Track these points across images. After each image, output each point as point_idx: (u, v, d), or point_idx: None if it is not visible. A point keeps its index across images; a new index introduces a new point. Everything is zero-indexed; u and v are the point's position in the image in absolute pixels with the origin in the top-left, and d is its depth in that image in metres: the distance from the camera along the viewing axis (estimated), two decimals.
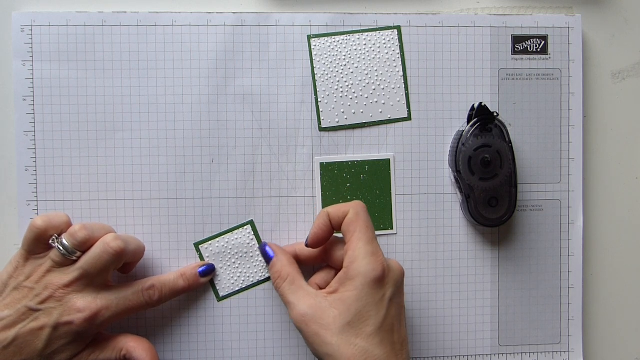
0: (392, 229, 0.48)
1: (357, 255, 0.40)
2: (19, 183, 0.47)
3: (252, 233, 0.47)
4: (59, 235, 0.41)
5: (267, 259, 0.45)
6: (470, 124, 0.47)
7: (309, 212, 0.48)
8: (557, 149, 0.50)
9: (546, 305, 0.50)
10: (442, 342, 0.49)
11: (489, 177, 0.47)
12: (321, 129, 0.48)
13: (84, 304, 0.40)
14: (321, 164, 0.47)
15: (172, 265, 0.48)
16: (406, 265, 0.49)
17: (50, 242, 0.41)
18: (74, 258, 0.41)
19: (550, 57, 0.50)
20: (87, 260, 0.41)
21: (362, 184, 0.47)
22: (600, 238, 0.51)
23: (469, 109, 0.48)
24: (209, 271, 0.47)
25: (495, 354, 0.50)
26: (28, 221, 0.47)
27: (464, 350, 0.50)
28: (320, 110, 0.48)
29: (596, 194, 0.51)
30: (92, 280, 0.41)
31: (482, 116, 0.47)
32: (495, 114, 0.47)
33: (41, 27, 0.46)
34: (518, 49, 0.49)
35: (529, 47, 0.49)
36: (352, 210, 0.41)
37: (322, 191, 0.48)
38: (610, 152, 0.51)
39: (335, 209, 0.42)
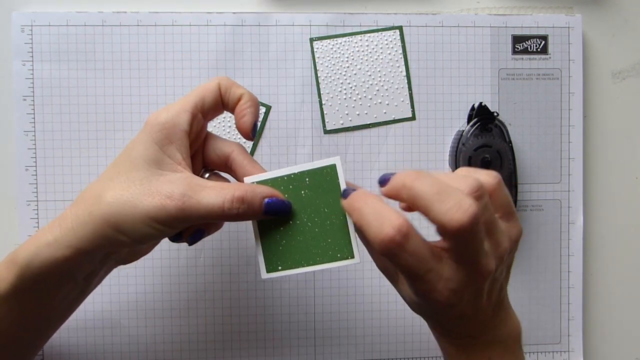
0: (352, 257, 0.35)
1: None
2: (19, 183, 0.47)
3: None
4: None
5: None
6: (471, 123, 0.47)
7: None
8: (557, 149, 0.50)
9: (546, 305, 0.50)
10: None
11: None
12: (325, 132, 0.48)
13: None
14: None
15: (171, 265, 0.48)
16: None
17: None
18: None
19: (550, 57, 0.50)
20: None
21: (305, 203, 0.35)
22: (600, 238, 0.51)
23: (469, 108, 0.48)
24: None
25: None
26: (28, 221, 0.47)
27: None
28: (325, 112, 0.48)
29: (596, 194, 0.51)
30: None
31: (482, 116, 0.47)
32: (495, 114, 0.47)
33: (41, 27, 0.46)
34: (518, 48, 0.49)
35: (529, 47, 0.50)
36: None
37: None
38: (610, 152, 0.51)
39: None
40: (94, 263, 0.36)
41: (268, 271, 0.36)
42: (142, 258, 0.47)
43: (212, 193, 0.33)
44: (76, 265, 0.34)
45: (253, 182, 0.36)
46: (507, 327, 0.35)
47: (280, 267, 0.36)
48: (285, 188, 0.36)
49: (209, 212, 0.33)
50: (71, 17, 0.47)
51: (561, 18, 0.50)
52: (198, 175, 0.38)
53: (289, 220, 0.36)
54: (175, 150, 0.35)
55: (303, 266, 0.36)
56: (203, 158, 0.38)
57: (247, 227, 0.48)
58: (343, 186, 0.35)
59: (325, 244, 0.35)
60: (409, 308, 0.49)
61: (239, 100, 0.37)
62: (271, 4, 0.49)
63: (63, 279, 0.35)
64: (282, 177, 0.36)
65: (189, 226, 0.36)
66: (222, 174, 0.39)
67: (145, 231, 0.33)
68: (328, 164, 0.35)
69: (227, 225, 0.48)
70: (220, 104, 0.37)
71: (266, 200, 0.34)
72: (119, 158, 0.35)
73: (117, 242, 0.33)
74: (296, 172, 0.35)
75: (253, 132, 0.37)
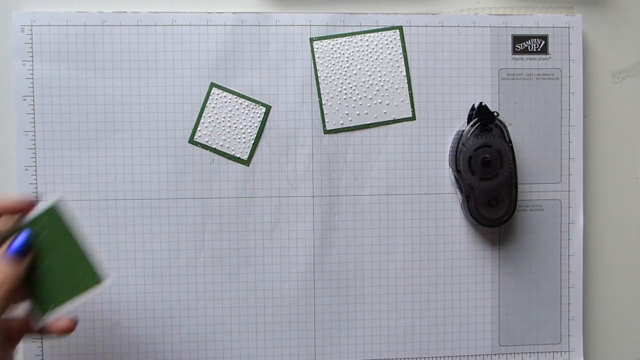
0: (100, 282, 0.38)
1: None
2: (19, 183, 0.47)
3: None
4: None
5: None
6: (471, 123, 0.47)
7: (309, 212, 0.48)
8: (557, 149, 0.50)
9: (546, 305, 0.50)
10: (442, 342, 0.49)
11: (489, 177, 0.47)
12: (325, 132, 0.48)
13: None
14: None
15: (171, 265, 0.48)
16: (406, 265, 0.49)
17: None
18: None
19: (550, 57, 0.50)
20: None
21: (49, 244, 0.37)
22: (600, 238, 0.51)
23: (469, 108, 0.48)
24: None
25: (495, 354, 0.50)
26: None
27: (464, 350, 0.50)
28: (325, 112, 0.48)
29: (596, 194, 0.51)
30: None
31: (482, 116, 0.47)
32: (495, 114, 0.47)
33: (41, 27, 0.46)
34: (518, 48, 0.49)
35: (529, 47, 0.50)
36: None
37: None
38: (610, 152, 0.51)
39: None
40: None
41: (42, 316, 0.37)
42: (142, 258, 0.47)
43: None
44: None
45: None
46: None
47: (48, 309, 0.37)
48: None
49: None
50: (71, 17, 0.47)
51: (561, 18, 0.50)
52: None
53: (42, 262, 0.37)
54: None
55: (67, 301, 0.38)
56: None
57: (246, 227, 0.48)
58: (70, 222, 0.37)
59: (77, 277, 0.38)
60: (409, 308, 0.49)
61: None
62: (271, 4, 0.49)
63: None
64: (23, 225, 0.37)
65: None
66: None
67: None
68: (50, 206, 0.37)
69: (227, 225, 0.48)
70: None
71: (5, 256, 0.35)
72: None
73: None
74: (31, 218, 0.37)
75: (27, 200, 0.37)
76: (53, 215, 0.37)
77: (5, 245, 0.36)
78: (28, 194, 0.37)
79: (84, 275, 0.38)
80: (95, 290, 0.38)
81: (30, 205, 0.37)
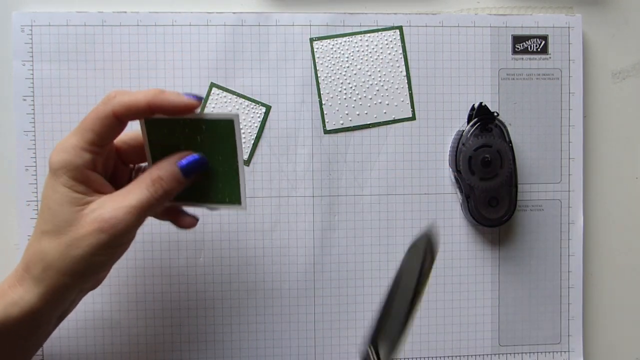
0: (239, 203, 0.38)
1: None
2: (19, 183, 0.47)
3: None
4: None
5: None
6: (471, 123, 0.47)
7: (309, 212, 0.48)
8: (557, 149, 0.50)
9: (546, 305, 0.50)
10: (442, 342, 0.50)
11: (489, 177, 0.47)
12: (325, 132, 0.48)
13: None
14: (146, 120, 0.37)
15: (172, 265, 0.48)
16: None
17: None
18: None
19: (550, 57, 0.50)
20: None
21: (200, 148, 0.37)
22: (600, 238, 0.51)
23: (469, 108, 0.48)
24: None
25: (495, 354, 0.50)
26: (28, 221, 0.47)
27: (464, 350, 0.50)
28: (325, 112, 0.48)
29: (596, 194, 0.51)
30: None
31: (482, 116, 0.47)
32: (495, 114, 0.47)
33: (41, 27, 0.46)
34: (518, 48, 0.49)
35: (529, 47, 0.50)
36: None
37: (151, 152, 0.38)
38: (610, 152, 0.51)
39: None
40: (65, 305, 0.37)
41: (170, 204, 0.39)
42: (142, 258, 0.48)
43: (134, 192, 0.35)
44: (48, 312, 0.35)
45: (147, 120, 0.37)
46: None
47: (177, 200, 0.38)
48: (181, 131, 0.37)
49: (142, 208, 0.34)
50: (71, 17, 0.47)
51: (561, 18, 0.50)
52: (131, 176, 0.40)
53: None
54: (86, 186, 0.35)
55: (195, 203, 0.39)
56: (126, 158, 0.40)
57: (246, 227, 0.48)
58: (240, 140, 0.37)
59: (216, 188, 0.38)
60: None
61: (148, 107, 0.35)
62: (271, 4, 0.49)
63: (38, 324, 0.36)
64: (178, 120, 0.37)
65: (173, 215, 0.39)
66: None
67: (99, 261, 0.34)
68: (226, 119, 0.36)
69: (227, 225, 0.48)
70: (118, 129, 0.36)
71: (179, 163, 0.36)
72: (41, 210, 0.35)
73: (78, 284, 0.35)
74: (193, 118, 0.37)
75: (194, 97, 0.36)
76: (226, 125, 0.37)
77: (182, 155, 0.36)
78: (193, 95, 0.36)
79: (226, 189, 0.38)
80: (230, 208, 0.38)
81: (195, 107, 0.36)
